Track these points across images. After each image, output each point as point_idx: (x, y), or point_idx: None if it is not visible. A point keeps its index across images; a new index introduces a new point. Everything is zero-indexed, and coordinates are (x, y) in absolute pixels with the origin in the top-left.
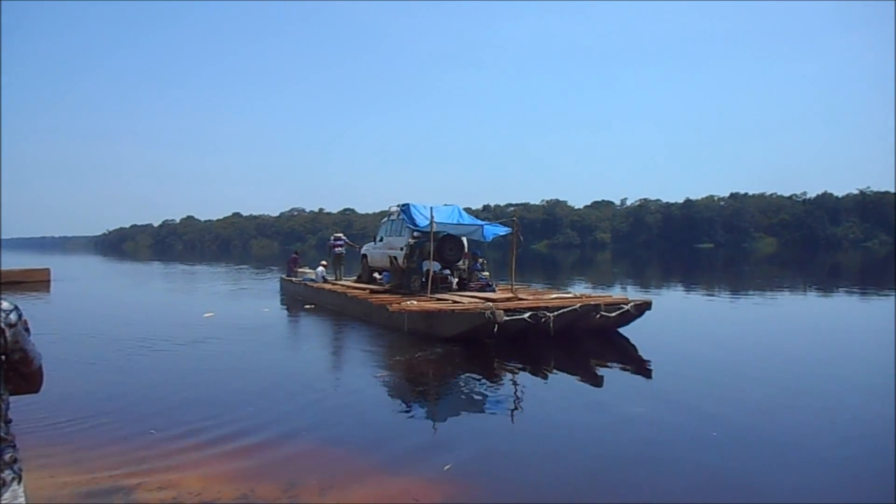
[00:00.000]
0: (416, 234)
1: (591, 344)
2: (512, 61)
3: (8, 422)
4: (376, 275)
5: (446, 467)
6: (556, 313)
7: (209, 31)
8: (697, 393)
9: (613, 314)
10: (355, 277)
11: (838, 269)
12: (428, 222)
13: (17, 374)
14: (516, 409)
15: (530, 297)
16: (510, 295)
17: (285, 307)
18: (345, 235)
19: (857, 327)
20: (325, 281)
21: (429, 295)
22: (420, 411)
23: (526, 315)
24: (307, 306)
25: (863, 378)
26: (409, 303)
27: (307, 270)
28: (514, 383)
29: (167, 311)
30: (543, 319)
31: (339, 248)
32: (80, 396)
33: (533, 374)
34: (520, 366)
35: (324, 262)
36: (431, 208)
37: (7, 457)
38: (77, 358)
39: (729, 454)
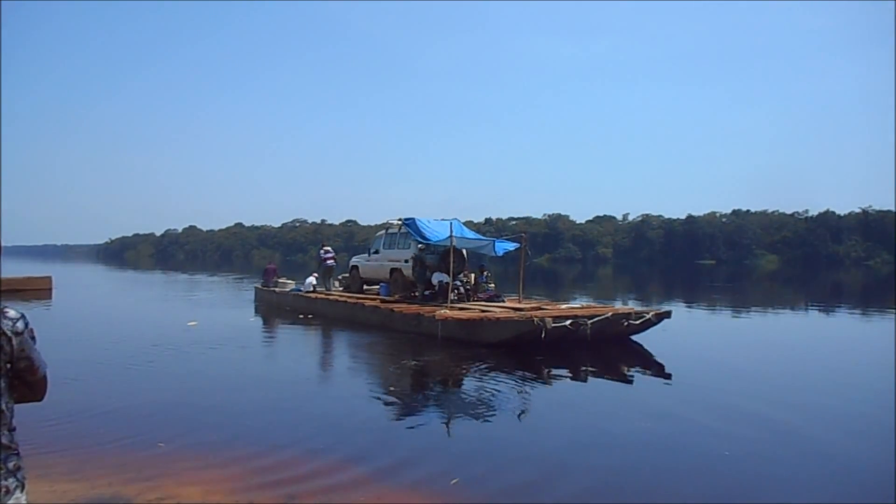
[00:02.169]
0: (420, 246)
1: (613, 350)
2: (514, 76)
3: (12, 430)
4: (364, 286)
5: (453, 481)
6: (592, 321)
7: (212, 44)
8: (707, 408)
9: (638, 322)
10: (342, 288)
11: (840, 288)
12: (436, 237)
13: (23, 382)
14: (535, 419)
15: (549, 307)
16: (536, 304)
17: (260, 316)
18: (347, 247)
19: (863, 346)
20: (315, 291)
21: (449, 304)
22: (433, 422)
23: (567, 322)
24: (301, 316)
25: (870, 393)
26: (442, 311)
27: (288, 281)
28: (540, 391)
29: (166, 320)
30: (582, 326)
31: (331, 261)
32: (84, 406)
33: (565, 379)
34: (561, 371)
35: (315, 274)
36: (451, 224)
37: (11, 465)
38: (80, 366)
39: (741, 474)
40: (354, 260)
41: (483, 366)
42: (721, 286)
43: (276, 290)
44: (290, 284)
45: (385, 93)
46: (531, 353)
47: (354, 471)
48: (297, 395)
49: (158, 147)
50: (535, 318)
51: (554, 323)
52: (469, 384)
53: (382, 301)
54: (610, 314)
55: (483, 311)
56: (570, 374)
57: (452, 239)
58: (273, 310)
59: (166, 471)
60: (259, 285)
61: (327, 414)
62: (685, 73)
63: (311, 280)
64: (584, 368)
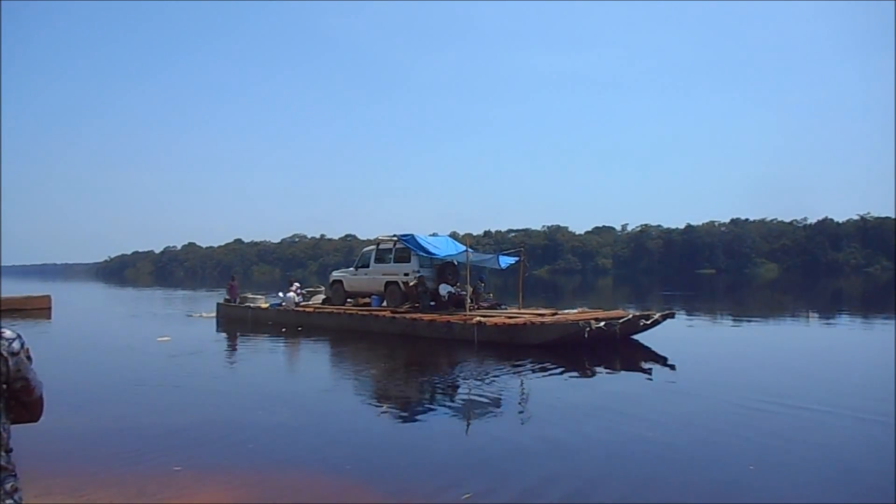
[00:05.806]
0: (423, 261)
1: (628, 348)
2: (511, 87)
3: (9, 451)
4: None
5: (465, 496)
6: (621, 321)
7: (206, 60)
8: (710, 412)
9: (649, 322)
10: (319, 301)
11: (840, 295)
12: (440, 252)
13: (18, 402)
14: (554, 428)
15: (563, 314)
16: (553, 310)
17: (223, 331)
18: (347, 261)
19: (864, 351)
20: (298, 306)
21: (467, 312)
22: (447, 433)
23: (602, 324)
24: (284, 329)
25: (869, 393)
26: (476, 318)
27: (257, 296)
28: (562, 395)
29: (172, 336)
30: (613, 326)
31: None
32: (84, 426)
33: (600, 377)
34: (600, 368)
35: (293, 289)
36: (466, 245)
37: (8, 486)
38: (80, 386)
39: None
40: (337, 274)
41: (534, 365)
42: (674, 294)
43: (251, 305)
44: (260, 299)
45: (380, 105)
46: (573, 352)
47: (366, 488)
48: (328, 407)
49: (156, 164)
50: (580, 321)
51: (596, 324)
52: (505, 386)
53: (393, 311)
54: (631, 316)
55: (509, 317)
56: (608, 371)
57: (468, 254)
58: (247, 325)
59: (168, 489)
60: (223, 301)
61: (347, 428)
62: (682, 83)
63: (291, 295)
64: (616, 367)
